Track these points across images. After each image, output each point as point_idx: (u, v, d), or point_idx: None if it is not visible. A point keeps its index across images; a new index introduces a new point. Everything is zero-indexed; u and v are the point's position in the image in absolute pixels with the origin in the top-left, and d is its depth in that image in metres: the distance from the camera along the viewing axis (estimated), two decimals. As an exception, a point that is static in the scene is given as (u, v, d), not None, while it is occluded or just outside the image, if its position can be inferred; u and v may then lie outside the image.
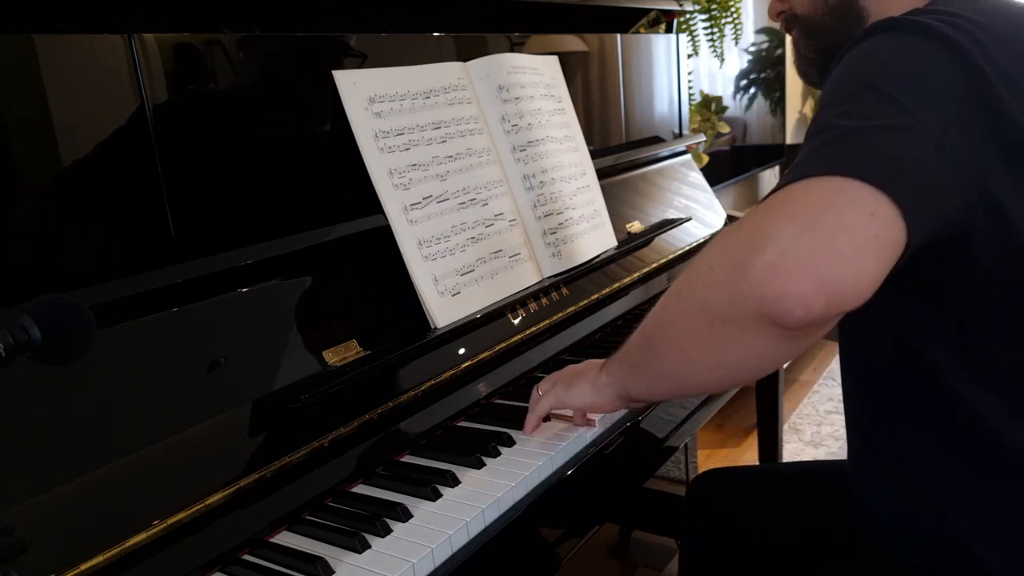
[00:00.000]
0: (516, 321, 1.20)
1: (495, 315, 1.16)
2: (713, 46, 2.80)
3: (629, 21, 1.94)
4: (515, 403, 1.11)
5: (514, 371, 1.18)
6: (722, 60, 2.92)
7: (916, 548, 0.85)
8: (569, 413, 1.02)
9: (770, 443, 1.96)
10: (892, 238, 0.63)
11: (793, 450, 2.55)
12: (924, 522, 0.83)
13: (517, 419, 1.04)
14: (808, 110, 4.42)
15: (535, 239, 1.29)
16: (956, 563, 0.80)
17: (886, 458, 0.86)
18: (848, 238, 0.62)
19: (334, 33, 1.11)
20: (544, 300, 1.26)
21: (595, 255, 1.39)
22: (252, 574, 0.78)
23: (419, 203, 1.12)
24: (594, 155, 1.49)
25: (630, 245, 1.49)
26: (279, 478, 0.85)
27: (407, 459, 0.99)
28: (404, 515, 0.84)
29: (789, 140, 4.00)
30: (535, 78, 1.38)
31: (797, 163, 0.69)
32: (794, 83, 4.17)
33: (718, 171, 2.93)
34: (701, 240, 1.71)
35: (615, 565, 1.84)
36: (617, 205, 1.54)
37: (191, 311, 0.88)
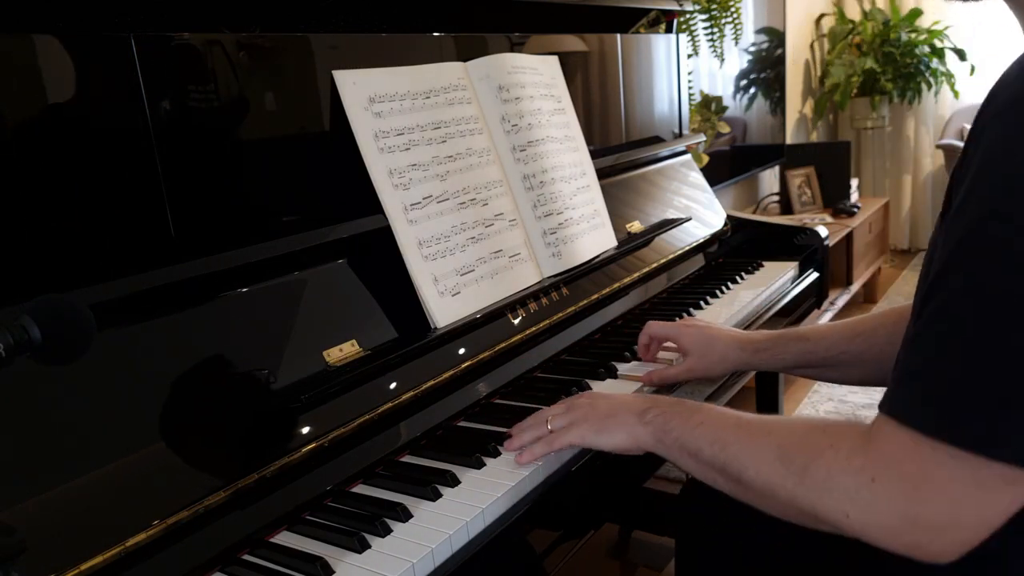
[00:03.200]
0: (516, 321, 1.20)
1: (495, 315, 1.17)
2: (713, 46, 2.80)
3: (629, 21, 1.94)
4: (515, 403, 1.11)
5: (514, 371, 1.18)
6: (722, 60, 2.92)
7: None
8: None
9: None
10: None
11: (793, 450, 2.54)
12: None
13: (517, 419, 1.04)
14: (808, 110, 4.43)
15: (535, 239, 1.29)
16: None
17: None
18: (992, 517, 0.63)
19: (334, 33, 1.11)
20: (544, 300, 1.26)
21: (595, 255, 1.39)
22: (252, 574, 0.78)
23: (419, 203, 1.12)
24: (594, 155, 1.49)
25: (630, 245, 1.49)
26: (279, 478, 0.85)
27: (407, 459, 0.99)
28: (404, 515, 0.84)
29: (789, 140, 4.00)
30: (535, 78, 1.38)
31: (931, 356, 0.63)
32: (794, 83, 4.17)
33: (718, 171, 2.93)
34: (701, 240, 1.71)
35: (615, 565, 1.84)
36: (617, 205, 1.54)
37: (191, 311, 0.88)
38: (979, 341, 0.61)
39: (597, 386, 1.16)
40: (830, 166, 3.88)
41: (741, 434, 0.79)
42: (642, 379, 1.18)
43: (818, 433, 0.73)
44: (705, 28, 2.77)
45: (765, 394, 2.02)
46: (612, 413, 0.92)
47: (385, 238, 1.08)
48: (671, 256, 1.59)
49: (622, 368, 1.22)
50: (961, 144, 4.26)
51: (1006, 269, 0.60)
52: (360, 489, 0.92)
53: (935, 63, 4.27)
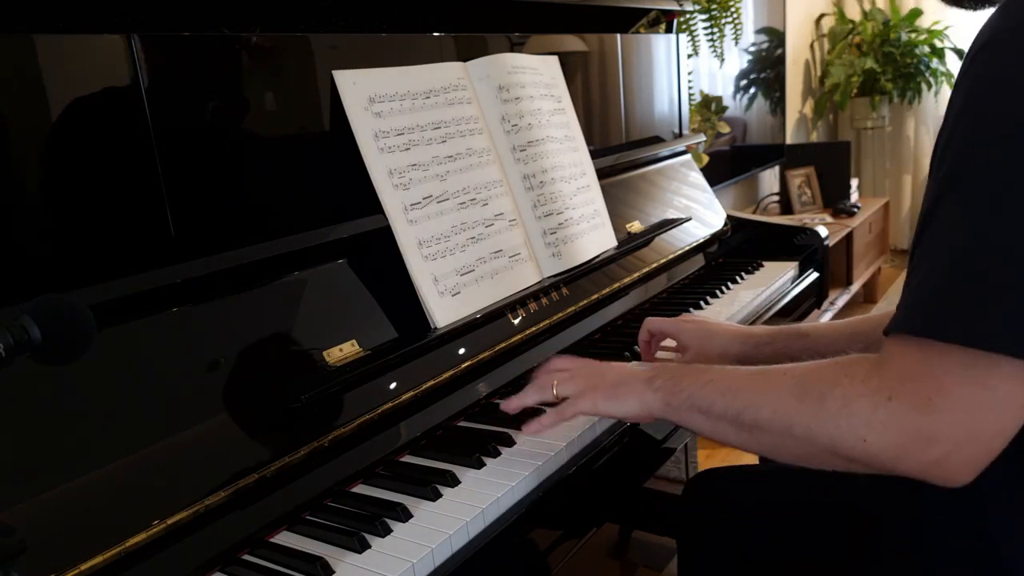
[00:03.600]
0: (516, 321, 1.20)
1: (495, 315, 1.16)
2: (713, 46, 2.80)
3: (629, 21, 1.94)
4: (515, 403, 1.11)
5: (514, 371, 1.18)
6: (722, 60, 2.92)
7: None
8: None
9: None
10: None
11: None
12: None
13: (517, 419, 1.03)
14: (808, 110, 4.43)
15: (535, 239, 1.29)
16: None
17: None
18: (1006, 427, 0.64)
19: (334, 33, 1.11)
20: (544, 300, 1.26)
21: (595, 255, 1.39)
22: (252, 574, 0.78)
23: (419, 203, 1.12)
24: (594, 155, 1.49)
25: (630, 245, 1.49)
26: (279, 478, 0.85)
27: (407, 459, 0.99)
28: (404, 515, 0.84)
29: (789, 140, 4.00)
30: (535, 78, 1.38)
31: (927, 272, 0.66)
32: (794, 83, 4.17)
33: (718, 171, 2.93)
34: (701, 240, 1.71)
35: (615, 565, 1.84)
36: (617, 205, 1.54)
37: (191, 311, 0.88)
38: (979, 247, 0.62)
39: (597, 386, 1.16)
40: (830, 166, 3.88)
41: (756, 379, 0.80)
42: (646, 357, 1.21)
43: (832, 365, 0.74)
44: (705, 28, 2.77)
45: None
46: (621, 381, 0.92)
47: (385, 238, 1.08)
48: (671, 256, 1.59)
49: (622, 368, 1.22)
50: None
51: (998, 184, 0.62)
52: (360, 489, 0.92)
53: (935, 63, 4.27)
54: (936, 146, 0.71)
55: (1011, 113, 0.62)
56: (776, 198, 3.89)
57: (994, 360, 0.62)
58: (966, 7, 0.80)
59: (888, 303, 3.96)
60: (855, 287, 3.64)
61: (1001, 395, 0.63)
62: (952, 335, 0.63)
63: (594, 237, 1.40)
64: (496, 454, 0.96)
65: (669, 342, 1.23)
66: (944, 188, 0.66)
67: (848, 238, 3.53)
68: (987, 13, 0.73)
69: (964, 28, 4.22)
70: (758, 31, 3.38)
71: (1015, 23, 0.64)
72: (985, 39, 0.66)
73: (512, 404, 0.97)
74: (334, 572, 0.76)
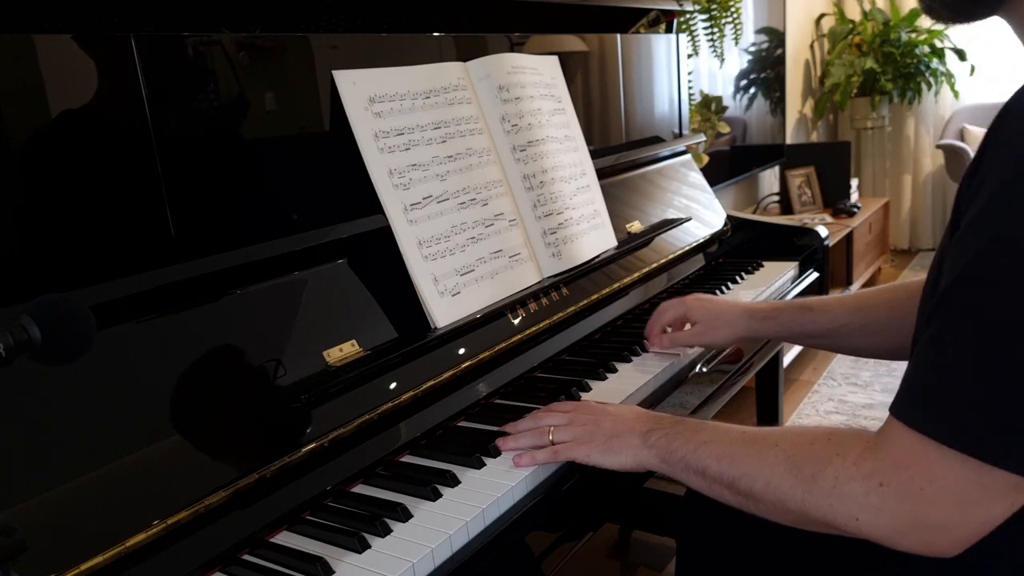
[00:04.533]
0: (516, 321, 1.20)
1: (495, 315, 1.17)
2: (713, 46, 2.81)
3: (629, 21, 1.94)
4: (515, 403, 1.11)
5: (514, 371, 1.18)
6: (722, 60, 2.92)
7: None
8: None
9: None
10: None
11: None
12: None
13: (517, 419, 1.04)
14: (808, 110, 4.43)
15: (535, 239, 1.29)
16: None
17: None
18: (995, 516, 0.66)
19: (334, 33, 1.11)
20: (544, 300, 1.26)
21: (595, 255, 1.39)
22: (252, 574, 0.78)
23: (419, 203, 1.12)
24: (594, 155, 1.49)
25: (630, 245, 1.49)
26: (279, 478, 0.85)
27: (407, 459, 0.99)
28: (404, 515, 0.84)
29: (789, 140, 4.00)
30: (535, 78, 1.38)
31: (935, 364, 0.66)
32: (794, 83, 4.17)
33: (718, 171, 2.94)
34: (701, 240, 1.71)
35: (615, 565, 1.84)
36: (617, 205, 1.54)
37: (191, 311, 0.88)
38: (986, 358, 0.63)
39: (597, 386, 1.16)
40: (830, 166, 3.88)
41: (748, 448, 0.81)
42: (653, 343, 1.28)
43: (824, 442, 0.75)
44: (705, 28, 2.77)
45: (765, 393, 2.02)
46: (617, 434, 0.93)
47: (385, 238, 1.08)
48: (671, 256, 1.59)
49: (622, 368, 1.22)
50: (961, 144, 4.26)
51: (1012, 293, 0.62)
52: (360, 489, 0.92)
53: (935, 63, 4.27)
54: (962, 187, 0.70)
55: None
56: (776, 198, 3.89)
57: (988, 466, 0.64)
58: (957, 21, 0.79)
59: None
60: (855, 287, 3.64)
61: (992, 493, 0.65)
62: (947, 438, 0.65)
63: (594, 237, 1.40)
64: (496, 454, 0.96)
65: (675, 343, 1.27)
66: (971, 273, 0.65)
67: (848, 238, 3.53)
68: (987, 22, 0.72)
69: (964, 28, 4.23)
70: (758, 31, 3.38)
71: None
72: None
73: (508, 445, 0.97)
74: (334, 572, 0.76)
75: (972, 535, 0.67)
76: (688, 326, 1.28)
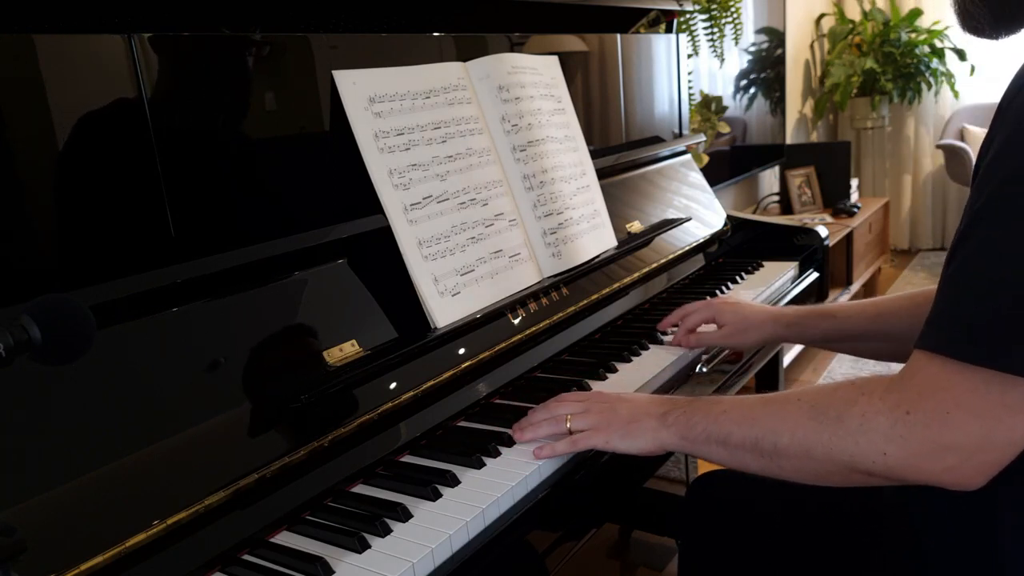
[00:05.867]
0: (516, 321, 1.20)
1: (495, 315, 1.16)
2: (713, 46, 2.81)
3: (629, 21, 1.94)
4: (515, 403, 1.11)
5: (514, 371, 1.18)
6: (722, 60, 2.92)
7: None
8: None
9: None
10: None
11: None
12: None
13: (517, 419, 1.04)
14: (808, 110, 4.43)
15: (535, 239, 1.29)
16: None
17: None
18: (1018, 438, 0.68)
19: (334, 33, 1.11)
20: (544, 300, 1.26)
21: (595, 255, 1.39)
22: (252, 574, 0.78)
23: (419, 203, 1.12)
24: (594, 155, 1.49)
25: (630, 245, 1.49)
26: (279, 478, 0.85)
27: (407, 459, 0.99)
28: (404, 515, 0.84)
29: (789, 140, 4.00)
30: (535, 78, 1.38)
31: (957, 294, 0.70)
32: (794, 83, 4.17)
33: (718, 171, 2.94)
34: (701, 240, 1.71)
35: (615, 565, 1.84)
36: (617, 205, 1.54)
37: (191, 311, 0.88)
38: (1004, 280, 0.67)
39: (597, 386, 1.16)
40: (830, 166, 3.88)
41: (769, 408, 0.83)
42: (678, 342, 1.30)
43: (847, 386, 0.78)
44: (705, 28, 2.77)
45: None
46: (634, 418, 0.94)
47: (385, 238, 1.08)
48: (671, 256, 1.59)
49: (623, 368, 1.22)
50: (961, 144, 4.26)
51: None
52: (360, 489, 0.92)
53: (935, 63, 4.27)
54: (984, 147, 0.73)
55: None
56: (776, 198, 3.89)
57: (1012, 380, 0.66)
58: (992, 37, 0.80)
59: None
60: (855, 287, 3.64)
61: (1016, 410, 0.67)
62: (974, 357, 0.67)
63: (594, 237, 1.40)
64: (496, 454, 0.96)
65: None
66: (984, 212, 0.69)
67: (848, 238, 3.53)
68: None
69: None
70: (758, 31, 3.38)
71: None
72: None
73: (525, 435, 0.98)
74: (334, 572, 0.76)
75: (995, 461, 0.69)
76: (709, 326, 1.30)
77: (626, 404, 0.96)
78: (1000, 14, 0.77)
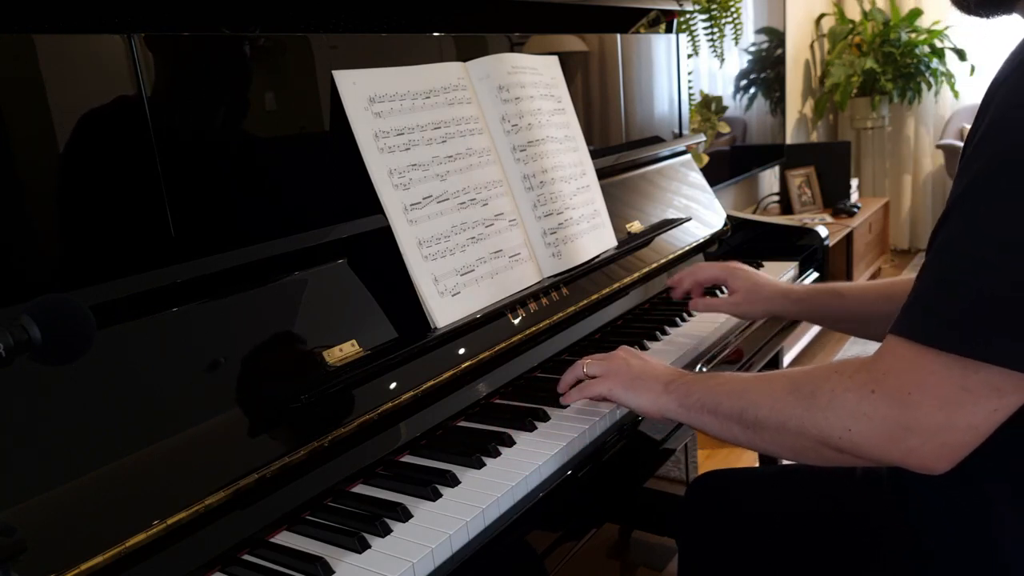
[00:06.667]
0: (516, 321, 1.20)
1: (495, 315, 1.16)
2: (713, 46, 2.80)
3: (629, 21, 1.94)
4: (515, 403, 1.11)
5: (514, 371, 1.18)
6: (722, 60, 2.92)
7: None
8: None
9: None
10: (1017, 399, 0.69)
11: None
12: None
13: (517, 419, 1.04)
14: (808, 110, 4.43)
15: (535, 239, 1.29)
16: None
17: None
18: (978, 423, 0.69)
19: (334, 33, 1.11)
20: (544, 300, 1.26)
21: (595, 255, 1.39)
22: (252, 574, 0.78)
23: (419, 203, 1.12)
24: (594, 155, 1.49)
25: (630, 245, 1.49)
26: (279, 478, 0.85)
27: (407, 459, 0.99)
28: (404, 515, 0.84)
29: (789, 140, 4.00)
30: (535, 78, 1.38)
31: (927, 281, 0.72)
32: (794, 83, 4.17)
33: (718, 171, 2.93)
34: (701, 240, 1.71)
35: (615, 565, 1.84)
36: (617, 205, 1.54)
37: (191, 311, 0.88)
38: (971, 264, 0.68)
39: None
40: (830, 166, 3.88)
41: (759, 381, 0.86)
42: (690, 305, 1.34)
43: (826, 366, 0.80)
44: (705, 28, 2.77)
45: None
46: (642, 376, 0.99)
47: (385, 238, 1.08)
48: (671, 256, 1.59)
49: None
50: (961, 144, 4.27)
51: (999, 213, 0.67)
52: (360, 489, 0.92)
53: (935, 63, 4.27)
54: (967, 143, 0.75)
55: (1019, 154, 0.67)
56: (776, 198, 3.89)
57: (972, 364, 0.68)
58: (980, 15, 0.82)
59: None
60: (855, 287, 3.64)
61: (975, 395, 0.68)
62: (936, 340, 0.69)
63: (594, 237, 1.40)
64: (496, 454, 0.96)
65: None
66: (957, 202, 0.71)
67: (848, 238, 3.53)
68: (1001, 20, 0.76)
69: (964, 28, 4.23)
70: (758, 31, 3.38)
71: None
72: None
73: (559, 387, 1.07)
74: (334, 572, 0.76)
75: (957, 443, 0.70)
76: (720, 292, 1.33)
77: (640, 362, 1.02)
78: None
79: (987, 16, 0.82)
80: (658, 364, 1.02)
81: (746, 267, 1.34)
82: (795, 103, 4.24)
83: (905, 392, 0.71)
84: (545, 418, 1.05)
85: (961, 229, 0.70)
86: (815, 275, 1.77)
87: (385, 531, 0.81)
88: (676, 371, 0.99)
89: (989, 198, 0.68)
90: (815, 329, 3.27)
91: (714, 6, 2.74)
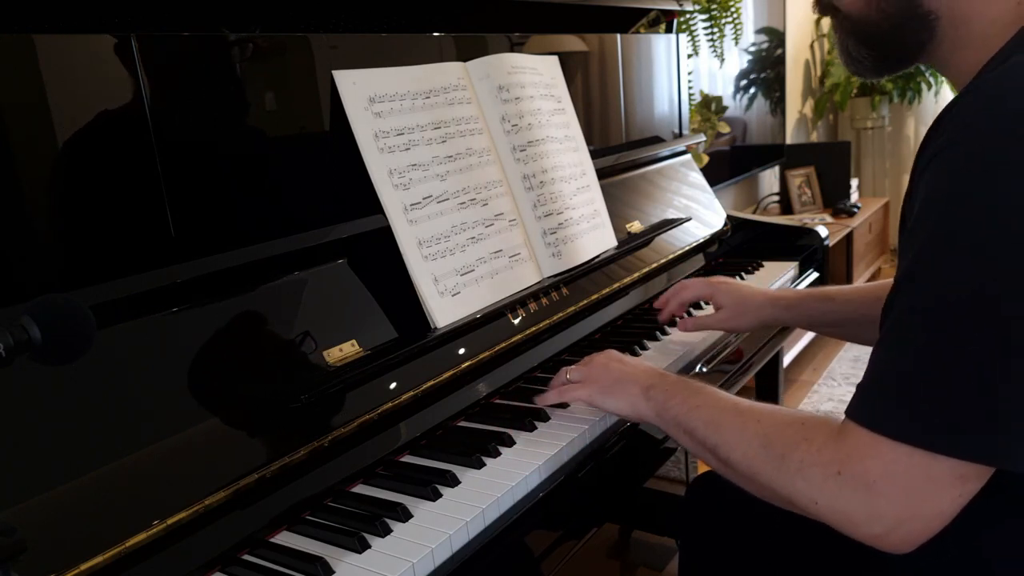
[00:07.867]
0: (516, 321, 1.20)
1: (495, 315, 1.16)
2: (713, 46, 2.80)
3: (629, 21, 1.94)
4: (515, 403, 1.11)
5: (514, 371, 1.18)
6: (722, 60, 2.92)
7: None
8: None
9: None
10: (979, 483, 0.68)
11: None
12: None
13: (517, 419, 1.04)
14: (808, 110, 4.43)
15: (535, 239, 1.29)
16: None
17: None
18: (944, 509, 0.68)
19: (334, 33, 1.11)
20: (544, 300, 1.26)
21: (595, 255, 1.39)
22: (252, 574, 0.78)
23: (419, 203, 1.12)
24: (594, 155, 1.49)
25: (630, 245, 1.49)
26: (279, 478, 0.85)
27: (407, 459, 0.99)
28: (404, 515, 0.84)
29: (789, 140, 4.00)
30: (535, 78, 1.38)
31: (884, 364, 0.70)
32: (794, 83, 4.17)
33: (718, 171, 2.93)
34: (701, 240, 1.71)
35: (615, 565, 1.84)
36: (617, 205, 1.54)
37: (191, 311, 0.88)
38: (927, 352, 0.67)
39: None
40: (830, 166, 3.88)
41: (734, 419, 0.84)
42: (679, 328, 1.31)
43: (797, 426, 0.78)
44: (705, 28, 2.77)
45: (765, 393, 2.02)
46: (621, 380, 0.98)
47: (385, 238, 1.08)
48: (671, 256, 1.59)
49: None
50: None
51: (949, 290, 0.66)
52: (360, 489, 0.92)
53: (935, 63, 4.26)
54: (907, 197, 0.75)
55: (964, 231, 0.66)
56: (776, 198, 3.89)
57: (937, 456, 0.66)
58: (881, 76, 0.85)
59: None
60: (855, 287, 3.64)
61: (940, 485, 0.67)
62: (899, 433, 0.67)
63: (594, 237, 1.40)
64: (496, 454, 0.96)
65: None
66: (906, 281, 0.70)
67: (848, 238, 3.53)
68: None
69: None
70: (758, 31, 3.38)
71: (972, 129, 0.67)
72: (951, 138, 0.68)
73: (547, 400, 1.06)
74: (334, 572, 0.76)
75: (923, 530, 0.69)
76: (707, 307, 1.31)
77: (619, 365, 1.01)
78: (884, 61, 0.83)
79: (879, 79, 0.83)
80: (638, 366, 1.00)
81: (730, 280, 1.32)
82: (795, 103, 4.24)
83: (870, 480, 0.69)
84: (545, 418, 1.05)
85: (911, 313, 0.68)
86: (815, 275, 1.77)
87: (385, 531, 0.81)
88: (656, 374, 0.98)
89: (933, 281, 0.67)
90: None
91: (714, 6, 2.74)
